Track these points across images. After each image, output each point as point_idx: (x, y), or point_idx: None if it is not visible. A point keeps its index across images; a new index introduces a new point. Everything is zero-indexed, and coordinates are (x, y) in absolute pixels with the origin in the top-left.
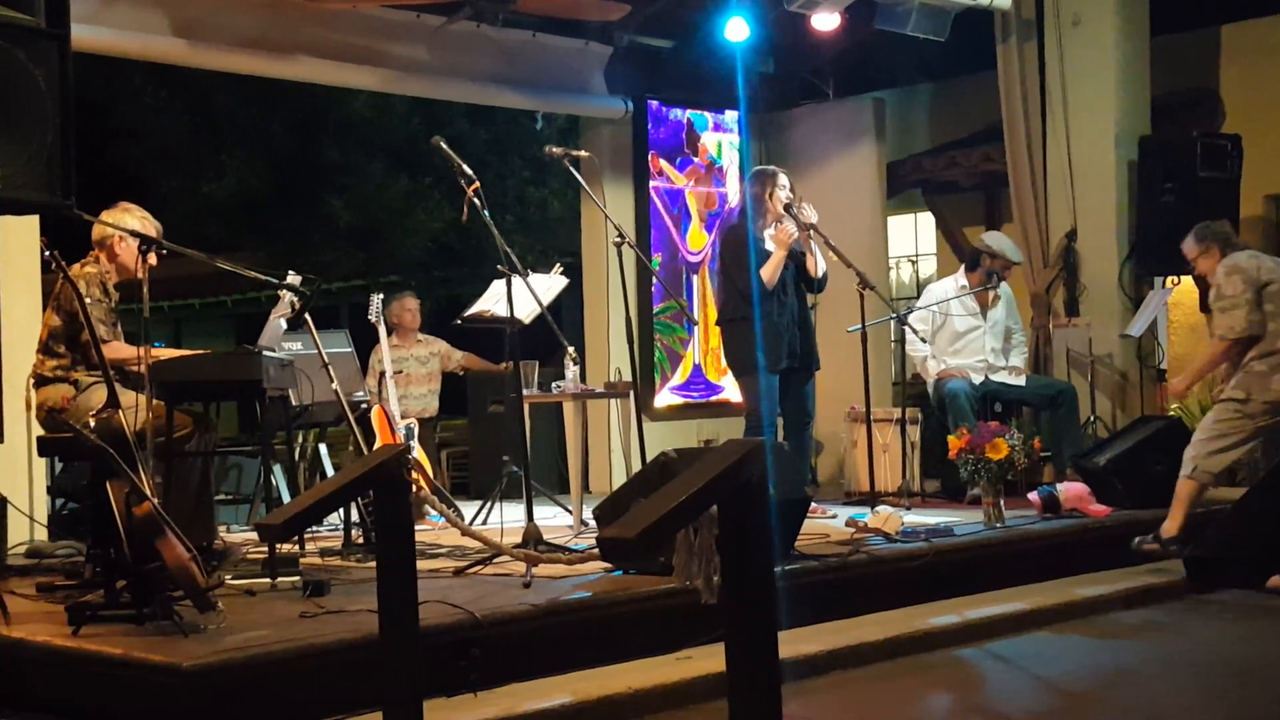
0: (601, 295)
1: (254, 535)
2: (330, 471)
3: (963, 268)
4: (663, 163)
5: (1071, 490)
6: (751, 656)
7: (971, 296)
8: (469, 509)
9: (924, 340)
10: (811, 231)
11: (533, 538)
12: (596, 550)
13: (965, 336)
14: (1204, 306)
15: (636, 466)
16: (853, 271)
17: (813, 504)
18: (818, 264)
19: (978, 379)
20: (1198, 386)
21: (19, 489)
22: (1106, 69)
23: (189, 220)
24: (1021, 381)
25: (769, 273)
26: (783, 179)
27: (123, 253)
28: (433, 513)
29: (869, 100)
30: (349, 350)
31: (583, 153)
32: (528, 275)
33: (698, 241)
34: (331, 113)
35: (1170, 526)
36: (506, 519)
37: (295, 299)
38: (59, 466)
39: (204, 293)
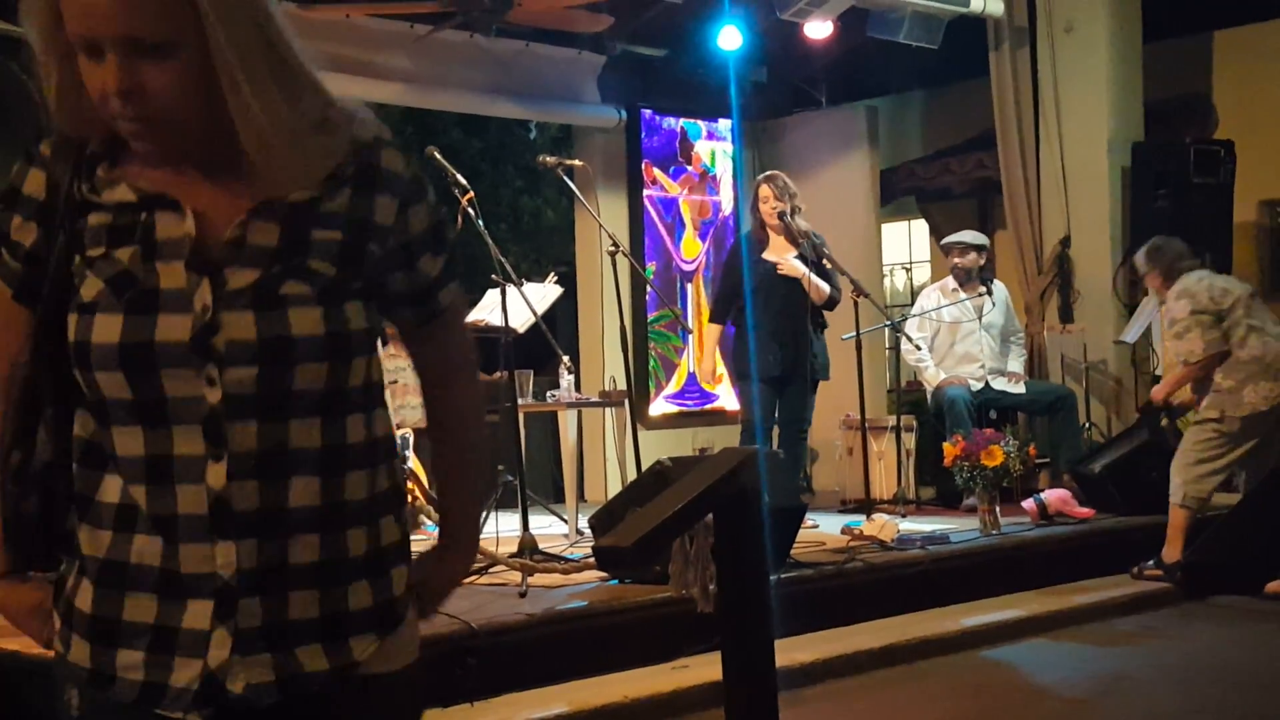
0: (596, 304)
1: None
2: None
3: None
4: (656, 171)
5: (1054, 495)
6: (747, 665)
7: (962, 294)
8: None
9: (918, 348)
10: (804, 243)
11: (528, 547)
12: (592, 559)
13: (962, 340)
14: None
15: (631, 475)
16: (847, 279)
17: None
18: (818, 290)
19: (977, 386)
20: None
21: None
22: (1099, 75)
23: None
24: (1021, 389)
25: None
26: (766, 189)
27: None
28: (428, 522)
29: (862, 108)
30: None
31: (576, 162)
32: (522, 284)
33: (692, 250)
34: None
35: (1171, 552)
36: (502, 528)
37: None
38: None
39: None
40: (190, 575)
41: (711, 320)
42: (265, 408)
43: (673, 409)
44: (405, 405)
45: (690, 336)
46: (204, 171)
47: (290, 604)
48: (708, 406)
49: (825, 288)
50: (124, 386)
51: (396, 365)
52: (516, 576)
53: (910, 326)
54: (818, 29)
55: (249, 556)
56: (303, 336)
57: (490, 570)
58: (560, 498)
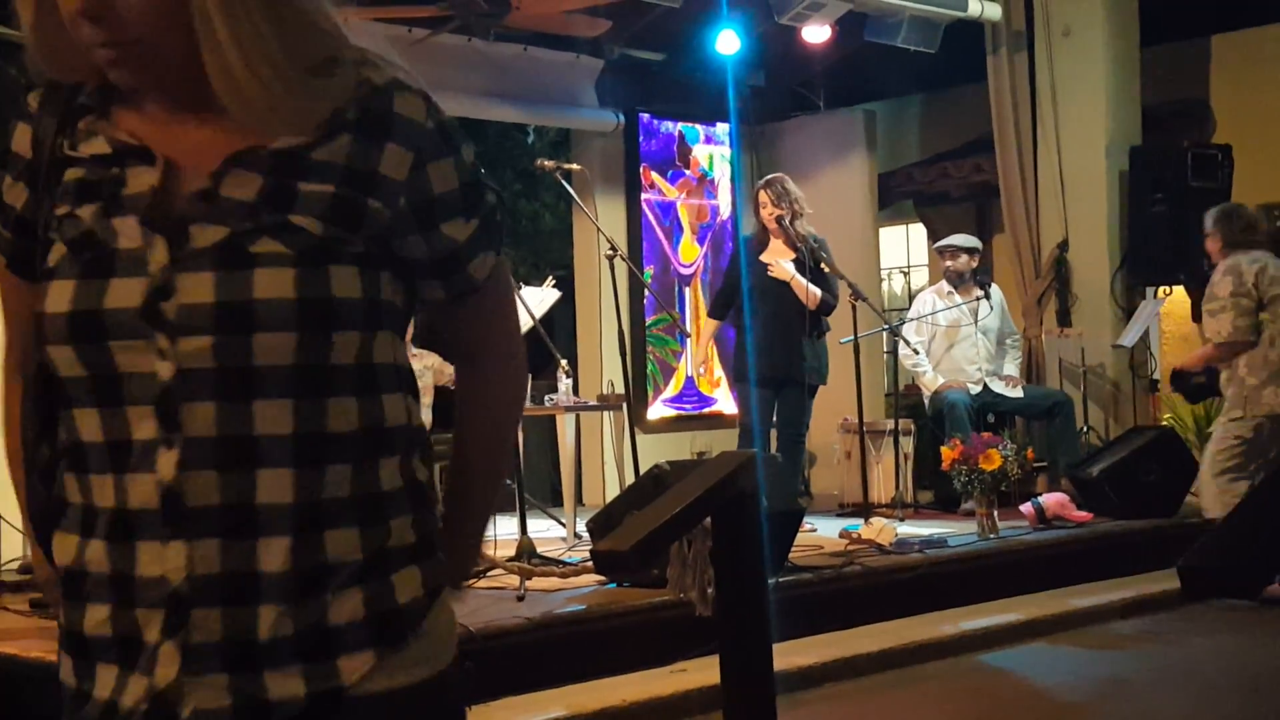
0: (594, 308)
1: None
2: None
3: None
4: (654, 175)
5: (1052, 499)
6: (746, 669)
7: (958, 297)
8: None
9: (916, 351)
10: (803, 247)
11: (526, 551)
12: (590, 563)
13: (959, 343)
14: (1195, 315)
15: (630, 479)
16: (844, 283)
17: None
18: (810, 294)
19: (975, 390)
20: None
21: (10, 504)
22: (1097, 79)
23: None
24: (1019, 393)
25: (777, 273)
26: (764, 195)
27: None
28: None
29: (860, 112)
30: None
31: (574, 165)
32: (520, 288)
33: (690, 254)
34: None
35: None
36: (500, 532)
37: None
38: None
39: None
40: (142, 580)
41: (709, 315)
42: (225, 385)
43: (671, 413)
44: None
45: (688, 340)
46: (196, 116)
47: (260, 618)
48: (706, 410)
49: (816, 292)
50: (75, 362)
51: None
52: (514, 580)
53: (908, 330)
54: (815, 33)
55: (207, 560)
56: (265, 300)
57: (488, 574)
58: (558, 501)
